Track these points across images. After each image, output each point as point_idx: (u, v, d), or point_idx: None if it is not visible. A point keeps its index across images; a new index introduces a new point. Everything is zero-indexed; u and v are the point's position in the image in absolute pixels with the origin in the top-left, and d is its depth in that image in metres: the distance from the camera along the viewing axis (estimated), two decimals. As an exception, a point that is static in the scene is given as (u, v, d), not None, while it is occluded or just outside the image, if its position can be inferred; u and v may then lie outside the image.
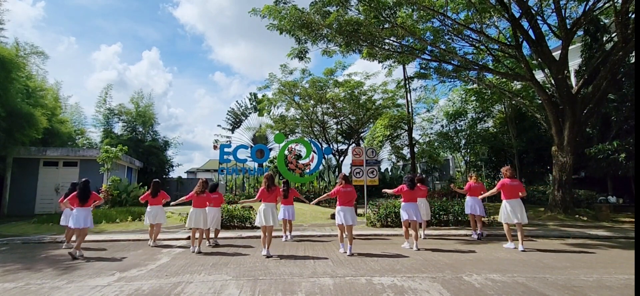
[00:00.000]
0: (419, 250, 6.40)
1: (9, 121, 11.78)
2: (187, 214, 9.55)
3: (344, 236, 6.35)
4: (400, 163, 23.33)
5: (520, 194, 6.64)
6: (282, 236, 7.85)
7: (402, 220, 6.86)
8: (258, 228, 9.08)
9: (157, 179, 7.82)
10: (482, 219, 8.01)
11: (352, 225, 6.25)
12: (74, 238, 7.12)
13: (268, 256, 5.91)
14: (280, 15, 10.40)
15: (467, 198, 7.88)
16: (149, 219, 7.38)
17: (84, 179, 6.63)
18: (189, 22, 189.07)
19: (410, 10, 11.19)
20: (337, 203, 6.36)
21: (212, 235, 7.47)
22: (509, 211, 6.57)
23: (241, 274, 4.81)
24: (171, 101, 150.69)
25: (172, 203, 7.49)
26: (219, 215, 7.37)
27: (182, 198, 7.11)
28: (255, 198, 6.50)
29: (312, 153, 16.55)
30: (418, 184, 7.66)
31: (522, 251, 6.23)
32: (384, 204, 9.62)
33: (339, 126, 21.62)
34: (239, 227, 9.23)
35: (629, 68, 12.01)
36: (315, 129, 21.03)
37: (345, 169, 22.08)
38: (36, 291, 4.22)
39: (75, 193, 6.55)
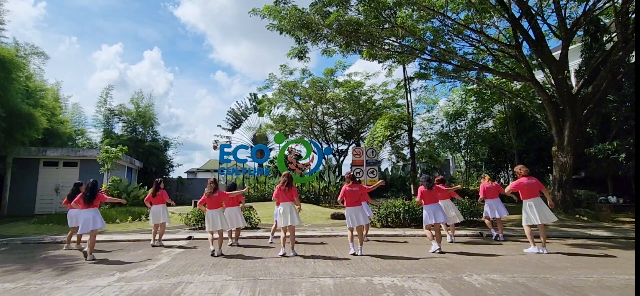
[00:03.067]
0: (443, 253, 6.05)
1: (9, 121, 11.78)
2: (187, 214, 9.61)
3: (354, 234, 6.17)
4: (401, 163, 23.32)
5: (540, 192, 6.24)
6: (268, 238, 7.61)
7: (425, 224, 6.34)
8: (259, 228, 9.14)
9: (158, 179, 7.75)
10: (501, 219, 7.61)
11: (364, 224, 6.09)
12: (74, 237, 7.12)
13: (289, 255, 5.88)
14: (280, 16, 10.40)
15: (486, 201, 7.58)
16: (152, 219, 7.34)
17: (92, 180, 6.47)
18: (190, 21, 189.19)
19: (410, 10, 11.19)
20: (345, 204, 6.18)
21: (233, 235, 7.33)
22: (531, 212, 6.15)
23: (241, 274, 4.81)
24: (172, 101, 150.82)
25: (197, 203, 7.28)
26: (238, 214, 7.06)
27: (199, 201, 6.94)
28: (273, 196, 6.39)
29: (312, 153, 16.55)
30: (437, 185, 7.22)
31: (547, 253, 5.93)
32: (384, 204, 9.61)
33: (339, 126, 21.64)
34: (239, 227, 9.22)
35: (629, 68, 12.00)
36: (315, 129, 21.06)
37: (346, 169, 22.08)
38: (36, 291, 4.21)
39: (80, 194, 6.42)
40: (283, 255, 5.86)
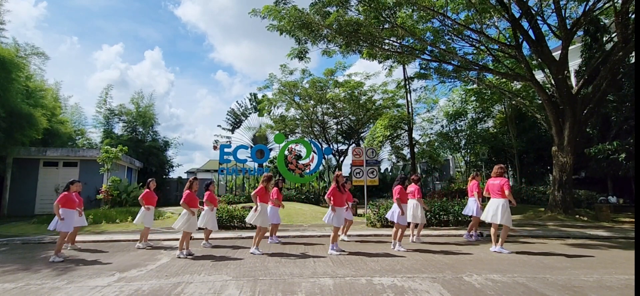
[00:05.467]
0: (406, 250, 6.33)
1: (9, 121, 11.77)
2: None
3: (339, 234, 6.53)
4: (401, 163, 23.34)
5: (500, 193, 6.18)
6: (267, 238, 7.58)
7: (403, 223, 6.55)
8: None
9: (150, 179, 7.62)
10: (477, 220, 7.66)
11: (331, 225, 6.27)
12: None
13: (256, 253, 6.13)
14: (280, 16, 10.38)
15: (471, 199, 7.71)
16: (150, 220, 7.23)
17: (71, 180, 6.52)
18: (190, 20, 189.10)
19: (410, 10, 11.19)
20: (335, 204, 6.30)
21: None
22: (485, 210, 6.46)
23: (241, 274, 4.81)
24: (173, 101, 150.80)
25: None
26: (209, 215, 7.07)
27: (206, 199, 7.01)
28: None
29: (312, 153, 16.56)
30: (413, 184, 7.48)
31: (495, 251, 6.13)
32: (384, 204, 9.61)
33: (339, 126, 21.65)
34: (239, 227, 9.23)
35: (629, 68, 12.01)
36: (315, 129, 21.07)
37: (345, 169, 22.12)
38: (36, 291, 4.21)
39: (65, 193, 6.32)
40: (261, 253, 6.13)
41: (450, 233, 8.34)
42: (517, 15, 10.81)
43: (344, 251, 6.21)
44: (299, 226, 9.65)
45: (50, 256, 5.92)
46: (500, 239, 6.24)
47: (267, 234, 7.57)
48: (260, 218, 6.23)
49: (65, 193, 6.29)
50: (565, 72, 10.72)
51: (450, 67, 13.12)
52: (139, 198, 7.37)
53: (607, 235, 7.96)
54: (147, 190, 7.36)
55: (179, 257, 5.96)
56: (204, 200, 7.12)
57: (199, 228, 6.77)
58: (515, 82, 14.46)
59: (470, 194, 7.61)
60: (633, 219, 10.17)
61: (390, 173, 24.19)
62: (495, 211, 6.22)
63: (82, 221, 7.10)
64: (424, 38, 12.04)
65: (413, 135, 17.12)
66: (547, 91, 11.24)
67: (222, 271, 4.99)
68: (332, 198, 6.20)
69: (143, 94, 21.03)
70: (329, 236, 8.02)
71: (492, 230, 6.45)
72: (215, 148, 19.03)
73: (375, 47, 11.58)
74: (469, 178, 7.88)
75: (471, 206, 7.54)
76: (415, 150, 17.48)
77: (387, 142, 18.28)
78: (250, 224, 6.56)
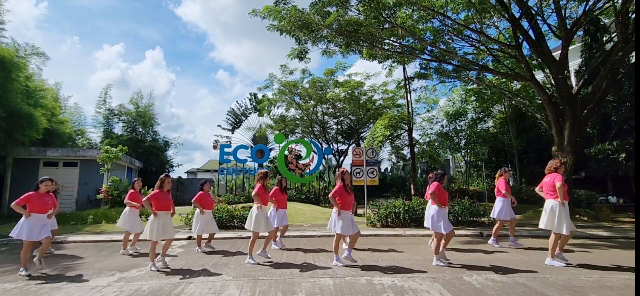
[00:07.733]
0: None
1: (9, 121, 11.78)
2: (187, 215, 9.58)
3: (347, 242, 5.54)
4: (401, 163, 23.35)
5: (552, 191, 5.28)
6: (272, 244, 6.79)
7: (447, 232, 5.27)
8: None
9: (136, 179, 7.05)
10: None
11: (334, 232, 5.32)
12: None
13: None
14: (280, 16, 10.38)
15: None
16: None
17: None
18: (191, 20, 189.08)
19: (410, 10, 11.18)
20: (343, 207, 5.31)
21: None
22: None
23: (241, 274, 4.81)
24: (173, 101, 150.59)
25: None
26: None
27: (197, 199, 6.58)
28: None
29: (312, 153, 16.55)
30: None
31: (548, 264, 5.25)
32: (384, 204, 9.61)
33: (339, 126, 21.66)
34: (239, 227, 9.22)
35: (629, 68, 11.99)
36: (315, 129, 21.07)
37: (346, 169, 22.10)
38: (36, 291, 4.21)
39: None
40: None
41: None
42: (517, 15, 10.81)
43: (356, 261, 5.37)
44: (299, 226, 9.65)
45: (19, 270, 4.96)
46: (557, 248, 5.20)
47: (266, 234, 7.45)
48: (256, 222, 5.35)
49: (32, 192, 5.18)
50: (565, 72, 10.71)
51: (450, 67, 13.11)
52: (144, 199, 6.58)
53: (607, 235, 7.96)
54: (133, 191, 6.67)
55: (151, 270, 5.03)
56: (193, 201, 6.57)
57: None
58: (515, 82, 14.46)
59: (498, 193, 6.84)
60: (633, 219, 10.17)
61: (390, 173, 24.16)
62: (547, 215, 5.23)
63: (52, 223, 6.16)
64: (424, 38, 12.04)
65: (413, 135, 17.09)
66: (547, 91, 11.24)
67: (222, 271, 4.99)
68: (338, 199, 5.19)
69: (142, 94, 21.12)
70: (329, 236, 8.01)
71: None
72: (215, 147, 19.07)
73: (375, 47, 11.57)
74: (497, 175, 7.02)
75: (496, 207, 6.81)
76: (415, 150, 17.45)
77: (387, 142, 18.26)
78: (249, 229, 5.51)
